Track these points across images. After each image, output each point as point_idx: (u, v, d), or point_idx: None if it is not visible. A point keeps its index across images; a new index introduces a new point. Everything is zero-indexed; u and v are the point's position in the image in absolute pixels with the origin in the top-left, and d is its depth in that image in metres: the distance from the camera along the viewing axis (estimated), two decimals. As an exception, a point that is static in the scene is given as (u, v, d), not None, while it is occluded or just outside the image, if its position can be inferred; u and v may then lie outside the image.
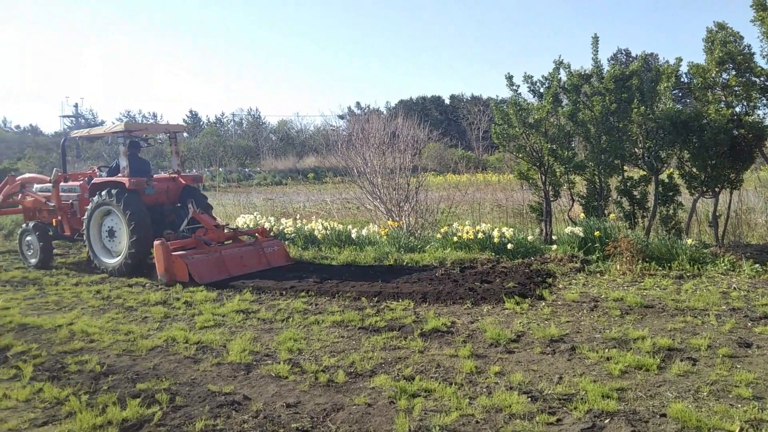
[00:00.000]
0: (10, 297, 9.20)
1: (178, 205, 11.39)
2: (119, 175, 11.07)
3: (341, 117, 65.40)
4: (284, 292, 8.71)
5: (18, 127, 78.08)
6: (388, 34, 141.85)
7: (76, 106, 58.10)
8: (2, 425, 4.62)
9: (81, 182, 11.80)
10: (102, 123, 71.15)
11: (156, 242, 9.78)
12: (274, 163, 51.49)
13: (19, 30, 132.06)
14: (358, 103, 65.09)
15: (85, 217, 11.07)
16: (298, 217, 13.16)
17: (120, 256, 10.67)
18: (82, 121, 65.34)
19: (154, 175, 11.81)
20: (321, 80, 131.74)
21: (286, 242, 12.16)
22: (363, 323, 6.91)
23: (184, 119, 77.27)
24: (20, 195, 13.13)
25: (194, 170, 41.49)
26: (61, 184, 12.10)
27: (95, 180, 11.35)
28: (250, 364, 5.74)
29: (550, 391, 4.77)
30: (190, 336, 6.69)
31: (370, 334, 6.55)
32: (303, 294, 8.54)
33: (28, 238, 12.07)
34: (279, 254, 10.86)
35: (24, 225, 12.39)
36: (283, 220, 12.82)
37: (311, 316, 7.34)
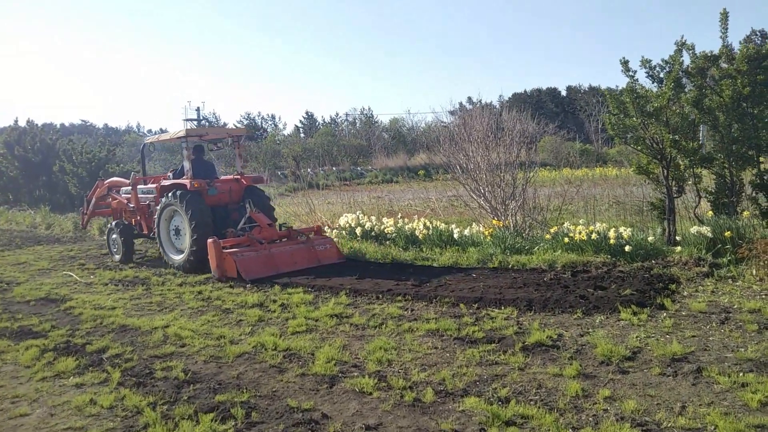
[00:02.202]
0: (118, 297, 9.43)
1: (241, 204, 11.81)
2: (184, 177, 11.76)
3: (452, 113, 64.55)
4: (381, 296, 8.33)
5: (150, 131, 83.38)
6: (501, 26, 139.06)
7: (198, 109, 60.65)
8: (81, 435, 4.53)
9: (156, 185, 12.54)
10: (225, 125, 74.57)
11: (209, 240, 10.30)
12: (385, 161, 51.57)
13: (155, 44, 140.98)
14: (469, 98, 63.85)
15: (155, 216, 11.86)
16: (399, 216, 12.77)
17: (184, 253, 11.31)
18: (206, 123, 68.56)
19: (221, 177, 12.44)
20: (432, 76, 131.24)
21: (388, 241, 11.83)
22: (459, 333, 6.39)
23: (300, 120, 79.45)
24: (109, 197, 14.26)
25: (309, 169, 42.36)
26: (139, 186, 13.06)
27: (163, 182, 12.16)
28: (334, 377, 5.38)
29: (669, 424, 4.06)
30: (279, 342, 6.45)
31: (466, 345, 6.02)
32: (399, 298, 8.12)
33: (113, 236, 13.07)
34: (330, 252, 11.12)
35: (110, 224, 13.50)
36: (384, 219, 12.47)
37: (405, 323, 6.90)
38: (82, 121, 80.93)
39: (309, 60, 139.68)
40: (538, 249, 10.00)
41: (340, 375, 5.42)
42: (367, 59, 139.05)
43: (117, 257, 13.02)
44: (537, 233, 11.00)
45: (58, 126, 70.58)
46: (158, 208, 11.79)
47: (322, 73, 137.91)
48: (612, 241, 9.29)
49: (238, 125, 74.83)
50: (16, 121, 28.45)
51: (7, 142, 27.10)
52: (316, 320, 7.32)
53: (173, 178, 12.23)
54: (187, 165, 11.77)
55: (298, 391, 5.12)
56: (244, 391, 5.15)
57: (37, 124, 28.72)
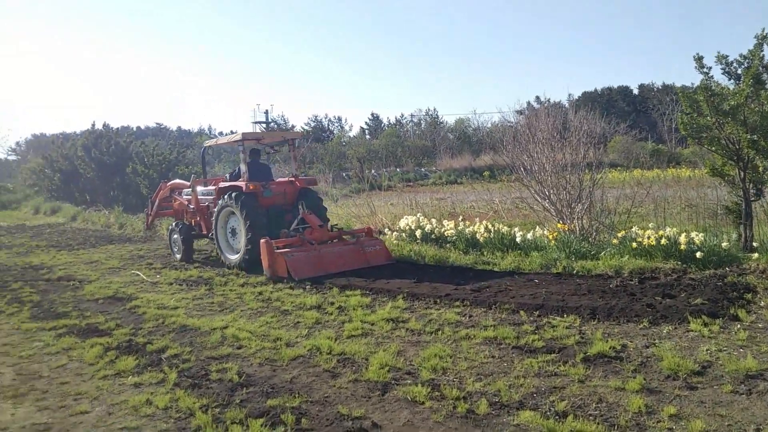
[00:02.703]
0: (182, 296, 9.61)
1: (294, 206, 12.09)
2: (240, 179, 12.13)
3: (519, 112, 63.56)
4: (438, 301, 8.18)
5: (221, 133, 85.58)
6: (570, 23, 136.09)
7: (266, 112, 61.90)
8: (136, 435, 4.58)
9: (215, 187, 12.90)
10: (293, 127, 75.76)
11: (262, 240, 10.56)
12: (449, 162, 51.24)
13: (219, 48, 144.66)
14: (537, 98, 62.66)
15: (213, 217, 12.25)
16: (461, 219, 12.56)
17: (240, 253, 11.63)
18: (274, 125, 69.78)
19: (278, 179, 12.90)
20: (499, 75, 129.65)
21: (448, 244, 11.66)
22: (518, 342, 6.18)
23: (366, 121, 79.88)
24: (171, 199, 14.90)
25: (373, 171, 42.49)
26: (199, 188, 13.54)
27: (221, 184, 12.55)
28: (387, 384, 5.27)
29: (743, 448, 3.77)
30: (334, 346, 6.39)
31: (525, 355, 5.81)
32: (458, 303, 7.95)
33: (175, 236, 13.58)
34: (380, 253, 11.25)
35: (172, 225, 14.03)
36: (444, 222, 12.29)
37: (462, 330, 6.74)
38: (157, 123, 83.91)
39: (374, 61, 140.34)
40: (604, 254, 9.63)
41: (393, 382, 5.32)
42: (432, 60, 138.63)
43: (178, 256, 13.50)
44: (603, 237, 10.61)
45: (134, 129, 73.30)
46: (216, 209, 12.17)
47: (388, 74, 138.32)
48: (683, 247, 8.85)
49: (305, 128, 76.01)
50: (94, 125, 29.76)
51: (84, 145, 28.28)
52: (372, 324, 7.24)
53: (230, 180, 12.61)
54: (243, 167, 12.16)
55: (350, 398, 5.04)
56: (296, 396, 5.11)
57: (112, 128, 29.92)
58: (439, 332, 6.75)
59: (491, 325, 6.80)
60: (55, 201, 29.62)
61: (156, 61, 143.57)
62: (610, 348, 5.72)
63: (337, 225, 12.27)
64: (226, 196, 11.78)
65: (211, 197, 12.91)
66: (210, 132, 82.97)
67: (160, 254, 14.54)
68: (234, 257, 11.87)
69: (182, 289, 10.30)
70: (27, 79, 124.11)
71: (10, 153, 65.46)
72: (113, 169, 27.16)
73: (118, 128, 31.09)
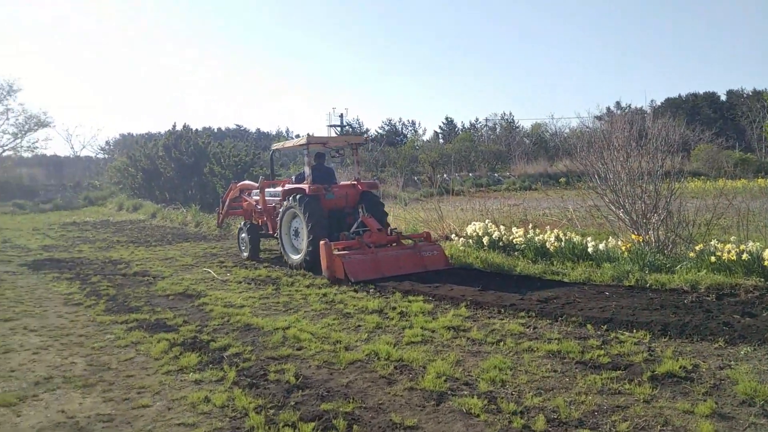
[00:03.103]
0: (249, 295, 9.78)
1: (355, 209, 12.29)
2: (304, 182, 12.53)
3: (598, 118, 61.87)
4: (502, 310, 8.00)
5: (298, 135, 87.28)
6: (653, 26, 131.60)
7: (341, 115, 62.73)
8: (192, 431, 4.65)
9: (281, 188, 13.31)
10: (367, 131, 76.46)
11: (321, 242, 10.79)
12: (524, 168, 50.47)
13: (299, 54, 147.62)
14: (617, 103, 60.90)
15: (278, 218, 12.62)
16: (531, 226, 12.27)
17: (301, 253, 11.94)
18: (348, 129, 70.55)
19: (341, 182, 13.29)
20: (579, 79, 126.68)
21: (516, 252, 11.42)
22: (582, 356, 5.95)
23: (440, 125, 79.71)
24: (240, 199, 15.39)
25: (445, 175, 42.29)
26: (267, 189, 13.98)
27: (286, 187, 12.94)
28: (443, 393, 5.17)
29: (823, 485, 3.47)
30: (392, 352, 6.34)
31: (589, 370, 5.58)
32: (522, 314, 7.75)
33: (243, 235, 14.10)
34: (437, 258, 11.31)
35: (241, 224, 14.59)
36: (513, 229, 12.04)
37: (525, 342, 6.55)
38: (237, 125, 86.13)
39: (450, 65, 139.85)
40: (680, 268, 9.19)
41: (449, 392, 5.21)
42: (509, 63, 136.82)
43: (245, 254, 13.96)
44: (680, 250, 10.13)
45: (215, 130, 75.63)
46: (280, 210, 12.59)
47: (463, 78, 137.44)
48: (766, 263, 8.33)
49: (379, 131, 76.49)
50: (174, 126, 30.74)
51: (165, 145, 29.38)
52: (433, 331, 7.15)
53: (295, 183, 13.00)
54: (307, 170, 12.61)
55: (404, 406, 4.97)
56: (351, 401, 5.08)
57: (191, 128, 30.88)
58: (501, 343, 6.59)
59: (555, 338, 6.59)
60: (137, 198, 30.88)
61: (237, 64, 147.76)
62: (680, 367, 5.42)
63: (396, 229, 12.40)
64: (290, 198, 12.18)
65: (278, 198, 13.28)
66: (287, 134, 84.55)
67: (233, 253, 14.88)
68: (296, 257, 12.18)
69: (250, 288, 10.49)
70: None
71: (99, 152, 68.70)
72: (191, 169, 28.08)
73: (197, 129, 32.13)
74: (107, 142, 70.81)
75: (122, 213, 29.68)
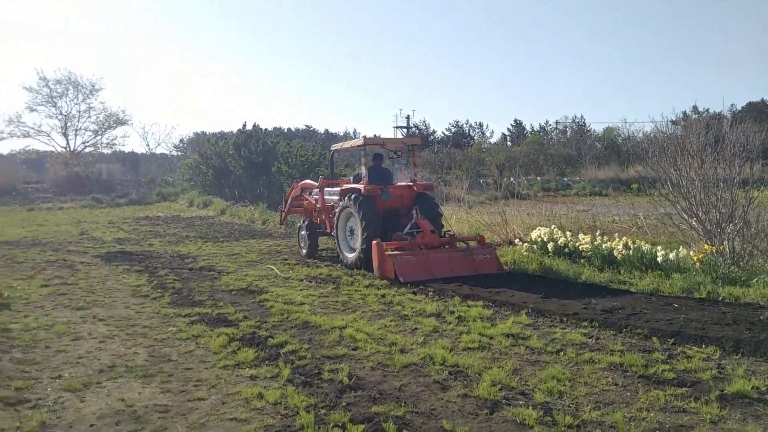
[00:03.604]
0: (309, 293, 9.86)
1: (410, 210, 12.33)
2: (360, 182, 12.70)
3: (674, 122, 59.70)
4: (565, 319, 7.77)
5: (365, 137, 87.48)
6: (732, 28, 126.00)
7: (408, 117, 62.82)
8: (243, 426, 4.70)
9: (340, 188, 13.52)
10: (433, 132, 76.29)
11: (373, 242, 11.06)
12: (595, 173, 49.11)
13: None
14: (694, 107, 58.52)
15: (335, 217, 12.90)
16: (599, 233, 11.90)
17: (356, 252, 12.12)
18: (415, 131, 70.53)
19: (397, 183, 13.33)
20: (654, 83, 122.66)
21: (582, 260, 11.10)
22: (646, 371, 5.70)
23: (508, 128, 78.68)
24: (301, 198, 15.73)
25: (512, 179, 41.66)
26: (327, 188, 14.30)
27: (343, 186, 13.20)
28: (497, 402, 5.05)
29: None
30: (448, 357, 6.25)
31: (652, 386, 5.35)
32: (585, 324, 7.50)
33: (302, 232, 14.45)
34: (490, 262, 11.25)
35: (300, 222, 14.96)
36: (580, 236, 11.70)
37: (587, 353, 6.33)
38: (306, 126, 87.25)
39: (521, 66, 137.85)
40: (756, 281, 8.72)
41: (503, 401, 5.08)
42: (581, 64, 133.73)
43: (304, 251, 14.30)
44: (757, 263, 9.61)
45: (285, 130, 76.95)
46: (337, 209, 12.85)
47: (531, 80, 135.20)
48: None
49: (446, 133, 76.13)
50: (244, 125, 31.41)
51: (235, 144, 30.05)
52: (491, 338, 7.01)
53: (353, 183, 13.20)
54: (363, 171, 12.84)
55: (456, 413, 4.87)
56: (402, 405, 5.02)
57: (260, 128, 31.48)
58: (561, 353, 6.39)
59: (618, 350, 6.34)
60: (207, 195, 31.68)
61: (307, 65, 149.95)
62: (752, 388, 5.12)
63: (450, 231, 12.60)
64: (346, 198, 12.44)
65: (336, 198, 13.54)
66: (355, 135, 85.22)
67: (296, 251, 15.06)
68: (351, 256, 12.37)
69: (311, 286, 10.58)
70: (190, 80, 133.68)
71: (173, 150, 70.98)
72: (260, 168, 28.61)
73: (266, 129, 32.74)
74: (181, 140, 73.08)
75: (193, 209, 30.54)
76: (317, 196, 14.51)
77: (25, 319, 8.17)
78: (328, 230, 13.87)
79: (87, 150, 55.74)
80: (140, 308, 8.95)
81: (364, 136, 12.89)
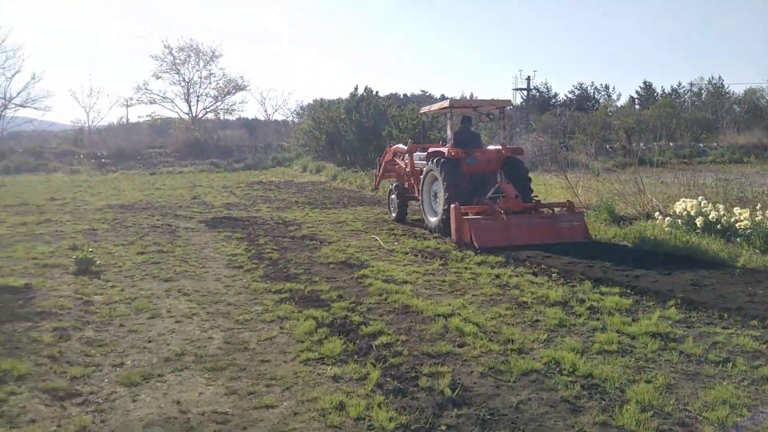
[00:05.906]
0: (413, 270, 8.79)
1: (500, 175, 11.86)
2: (446, 146, 12.43)
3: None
4: (725, 315, 6.21)
5: (451, 99, 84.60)
6: None
7: (528, 78, 59.83)
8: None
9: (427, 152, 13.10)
10: (555, 95, 72.56)
11: (452, 206, 10.67)
12: (735, 138, 44.63)
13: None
14: None
15: (420, 181, 12.77)
16: (759, 207, 9.95)
17: (438, 216, 11.85)
18: (535, 93, 67.35)
19: (487, 147, 12.99)
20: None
21: (739, 239, 9.29)
22: None
23: (636, 90, 73.48)
24: (394, 162, 15.51)
25: (642, 144, 38.54)
26: (416, 153, 13.84)
27: (429, 150, 12.69)
28: (649, 437, 3.75)
29: None
30: (579, 363, 4.95)
31: None
32: (755, 323, 5.93)
33: (392, 196, 14.35)
34: (576, 230, 10.63)
35: (391, 186, 14.79)
36: (736, 210, 9.81)
37: (764, 367, 4.83)
38: (422, 91, 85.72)
39: (650, 25, 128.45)
40: None
41: (658, 434, 3.78)
42: (718, 20, 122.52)
43: (393, 215, 14.20)
44: None
45: (401, 96, 75.94)
46: (423, 173, 12.65)
47: (664, 38, 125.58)
48: None
49: (569, 95, 72.17)
50: (356, 88, 30.57)
51: (347, 108, 29.34)
52: (633, 338, 5.62)
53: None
54: (449, 134, 12.71)
55: (594, 452, 3.63)
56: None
57: (372, 91, 30.46)
58: (729, 364, 4.93)
59: (810, 365, 4.80)
60: (320, 161, 31.34)
61: (426, 27, 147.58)
62: None
63: (536, 196, 12.04)
64: (430, 161, 12.11)
65: (424, 162, 13.08)
66: (471, 98, 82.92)
67: (405, 220, 14.05)
68: (434, 220, 12.15)
69: (416, 261, 9.52)
70: (306, 46, 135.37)
71: (290, 115, 71.86)
72: (371, 132, 27.74)
73: (378, 93, 31.53)
74: (300, 107, 73.80)
75: (305, 174, 30.29)
76: (407, 161, 14.21)
77: (110, 290, 7.67)
78: (416, 195, 13.55)
79: (207, 116, 57.43)
80: (230, 281, 8.25)
81: (450, 99, 12.01)
